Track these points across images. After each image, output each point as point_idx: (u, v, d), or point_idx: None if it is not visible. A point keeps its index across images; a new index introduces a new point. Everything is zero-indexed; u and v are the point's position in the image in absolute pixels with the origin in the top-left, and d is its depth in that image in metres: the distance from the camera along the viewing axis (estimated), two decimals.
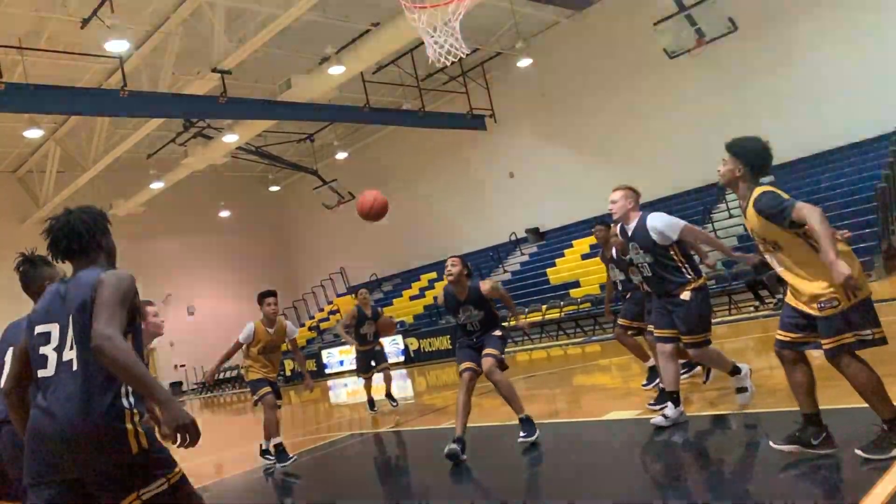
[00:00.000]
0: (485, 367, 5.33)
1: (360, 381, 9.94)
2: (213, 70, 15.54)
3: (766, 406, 5.20)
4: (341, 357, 21.87)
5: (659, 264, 5.08)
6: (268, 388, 6.69)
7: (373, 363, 9.59)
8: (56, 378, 2.35)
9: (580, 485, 4.42)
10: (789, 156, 16.97)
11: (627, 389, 6.79)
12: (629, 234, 5.22)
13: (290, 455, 6.57)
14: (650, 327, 5.54)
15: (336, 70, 16.40)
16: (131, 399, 2.34)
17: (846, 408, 4.27)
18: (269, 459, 6.77)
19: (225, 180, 28.17)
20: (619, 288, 6.89)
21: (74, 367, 2.33)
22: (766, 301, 12.54)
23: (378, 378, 9.68)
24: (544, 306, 17.45)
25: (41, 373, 2.39)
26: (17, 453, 2.84)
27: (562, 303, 17.10)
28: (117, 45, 14.15)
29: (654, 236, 5.01)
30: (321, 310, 28.91)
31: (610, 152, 20.21)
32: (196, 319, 27.71)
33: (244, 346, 6.81)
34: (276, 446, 6.59)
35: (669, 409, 5.15)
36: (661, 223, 5.04)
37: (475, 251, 23.12)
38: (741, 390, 5.20)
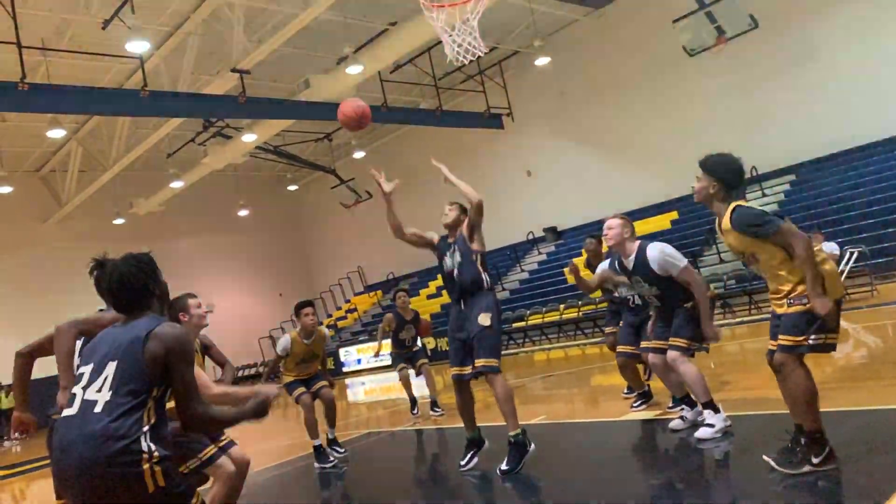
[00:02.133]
0: (488, 379, 4.86)
1: (371, 383, 9.70)
2: (233, 70, 15.66)
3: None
4: (359, 356, 21.94)
5: (668, 294, 4.94)
6: (302, 389, 6.68)
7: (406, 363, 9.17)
8: (77, 417, 2.35)
9: (596, 485, 4.40)
10: (812, 154, 16.79)
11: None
12: (629, 267, 5.04)
13: (331, 460, 6.54)
14: (643, 343, 5.46)
15: (354, 69, 16.45)
16: (151, 444, 2.32)
17: (865, 410, 4.21)
18: (339, 451, 6.79)
19: (244, 179, 28.38)
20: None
21: (97, 409, 2.33)
22: None
23: (417, 378, 9.04)
24: (562, 306, 17.39)
25: (67, 411, 2.39)
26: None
27: (579, 302, 17.02)
28: (138, 46, 14.31)
29: (657, 269, 4.85)
30: (339, 308, 29.05)
31: (628, 151, 20.10)
32: (215, 317, 27.83)
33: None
34: (315, 448, 6.59)
35: (687, 412, 5.13)
36: (664, 257, 4.83)
37: (492, 250, 23.03)
38: (708, 425, 4.72)
